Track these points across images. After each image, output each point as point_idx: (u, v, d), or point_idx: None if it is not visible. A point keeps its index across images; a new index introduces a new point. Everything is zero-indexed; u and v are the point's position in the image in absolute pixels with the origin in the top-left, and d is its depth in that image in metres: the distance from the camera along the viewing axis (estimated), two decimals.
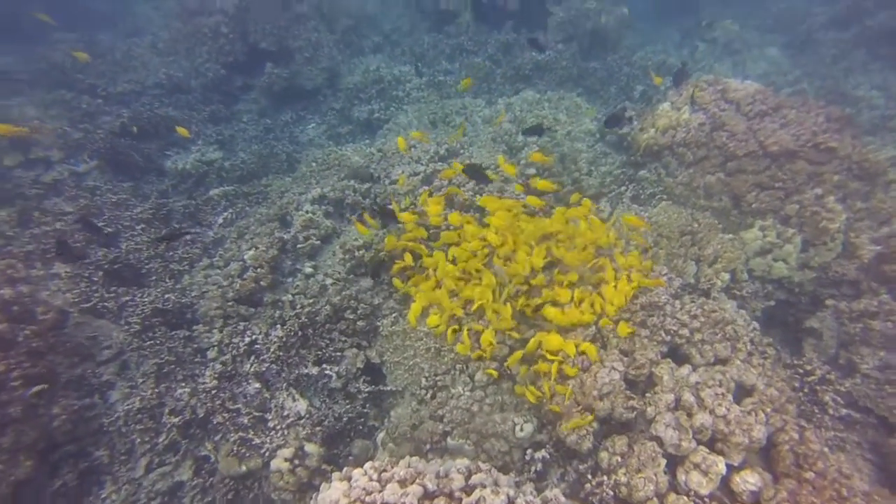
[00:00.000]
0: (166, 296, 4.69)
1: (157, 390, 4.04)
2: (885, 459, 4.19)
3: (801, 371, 4.35)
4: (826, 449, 3.58)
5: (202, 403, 4.07)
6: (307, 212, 5.57)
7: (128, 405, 3.96)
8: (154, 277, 4.93)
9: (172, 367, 4.25)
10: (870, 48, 9.65)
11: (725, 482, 3.33)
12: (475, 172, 4.65)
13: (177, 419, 3.90)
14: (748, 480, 3.25)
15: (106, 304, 4.48)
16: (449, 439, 3.92)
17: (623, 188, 5.79)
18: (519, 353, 3.94)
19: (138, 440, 3.83)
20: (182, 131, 6.15)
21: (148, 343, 4.30)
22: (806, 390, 4.25)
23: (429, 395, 4.15)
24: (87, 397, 3.97)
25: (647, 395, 3.71)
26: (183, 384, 4.22)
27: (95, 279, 4.63)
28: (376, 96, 9.00)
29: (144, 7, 12.57)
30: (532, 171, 6.38)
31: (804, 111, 5.44)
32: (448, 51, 9.95)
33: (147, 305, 4.50)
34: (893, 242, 5.08)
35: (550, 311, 4.04)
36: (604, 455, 3.52)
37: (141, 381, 4.14)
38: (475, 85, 9.09)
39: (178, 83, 8.73)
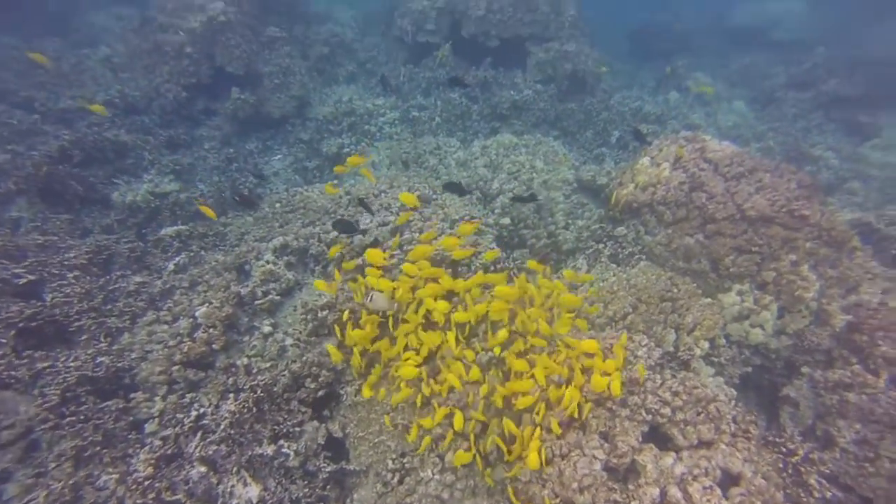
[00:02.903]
0: (98, 359, 4.13)
1: (72, 481, 3.46)
2: None
3: (783, 450, 4.21)
4: None
5: (132, 494, 3.53)
6: (267, 262, 5.14)
7: None
8: (85, 337, 4.35)
9: (98, 448, 3.68)
10: (825, 111, 10.12)
11: None
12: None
13: None
14: None
15: (14, 371, 3.85)
16: None
17: (601, 245, 5.65)
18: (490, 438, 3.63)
19: None
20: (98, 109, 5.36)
21: (68, 419, 3.72)
22: (790, 471, 4.10)
23: (395, 480, 3.77)
24: None
25: (631, 486, 3.46)
26: (110, 469, 3.67)
27: (3, 340, 3.99)
28: (347, 129, 8.70)
29: (101, 17, 11.79)
30: (507, 220, 6.19)
31: (777, 176, 5.46)
32: (424, 84, 9.78)
33: (72, 372, 3.92)
34: (861, 312, 5.11)
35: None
36: None
37: (53, 466, 3.55)
38: (451, 122, 8.92)
39: (133, 103, 8.14)
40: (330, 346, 4.20)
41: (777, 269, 4.96)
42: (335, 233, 5.36)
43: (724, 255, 5.08)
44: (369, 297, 4.02)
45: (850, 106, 9.87)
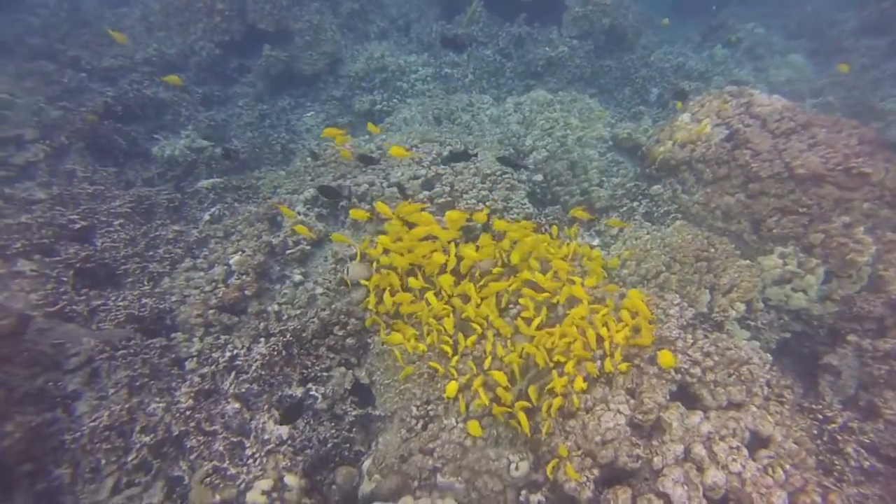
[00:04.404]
0: (143, 300, 4.35)
1: (128, 405, 3.72)
2: None
3: (820, 417, 4.06)
4: None
5: (177, 422, 3.76)
6: (299, 213, 5.22)
7: (95, 421, 3.64)
8: (131, 279, 4.58)
9: (146, 380, 3.93)
10: None
11: None
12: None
13: (148, 437, 3.60)
14: None
15: (75, 307, 4.12)
16: (439, 476, 3.64)
17: (636, 203, 5.45)
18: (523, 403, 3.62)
19: (103, 460, 3.51)
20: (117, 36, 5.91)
21: (121, 352, 3.96)
22: (825, 438, 3.97)
23: (419, 426, 3.86)
24: (48, 411, 3.63)
25: (655, 442, 3.42)
26: (157, 398, 3.91)
27: (65, 279, 4.27)
28: (379, 86, 8.58)
29: None
30: (539, 177, 6.04)
31: (835, 131, 5.08)
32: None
33: (121, 310, 4.15)
34: None
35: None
36: None
37: (112, 391, 3.83)
38: (484, 80, 8.67)
39: (171, 61, 8.26)
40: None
41: (826, 231, 4.67)
42: (365, 185, 5.37)
43: (766, 216, 4.81)
44: (346, 270, 4.07)
45: None
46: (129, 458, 3.48)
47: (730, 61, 9.20)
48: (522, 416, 3.49)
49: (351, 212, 4.38)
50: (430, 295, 4.01)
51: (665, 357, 3.55)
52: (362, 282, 4.36)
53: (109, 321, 4.04)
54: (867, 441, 4.07)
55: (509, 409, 3.59)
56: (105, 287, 4.48)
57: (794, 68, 9.20)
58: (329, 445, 3.89)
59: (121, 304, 4.24)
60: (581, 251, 4.30)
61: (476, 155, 5.41)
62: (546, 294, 3.97)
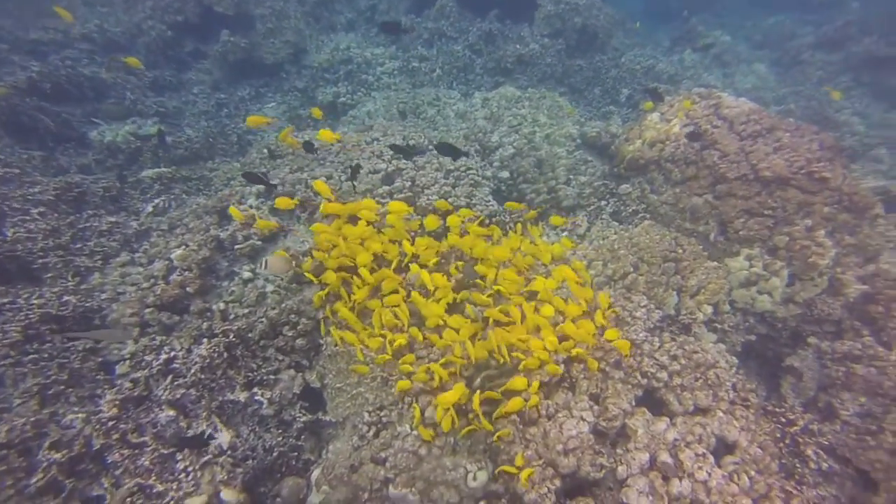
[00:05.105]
0: (64, 298, 3.91)
1: (35, 419, 3.28)
2: None
3: (782, 420, 4.01)
4: None
5: (98, 434, 3.36)
6: (251, 206, 4.86)
7: None
8: (51, 275, 4.11)
9: (62, 387, 3.50)
10: (855, 73, 9.53)
11: None
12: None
13: (60, 454, 3.19)
14: None
15: None
16: (391, 487, 3.38)
17: (603, 202, 5.33)
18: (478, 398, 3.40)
19: None
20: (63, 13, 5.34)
21: (30, 356, 3.52)
22: (787, 441, 3.91)
23: (371, 433, 3.59)
24: None
25: (619, 450, 3.26)
26: (76, 408, 3.50)
27: None
28: (344, 78, 8.25)
29: None
30: (505, 174, 5.87)
31: (798, 136, 5.09)
32: (426, 35, 9.25)
33: (35, 309, 3.70)
34: (879, 282, 4.82)
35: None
36: None
37: (18, 402, 3.39)
38: (452, 75, 8.46)
39: (114, 39, 7.67)
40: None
41: (790, 234, 4.65)
42: (322, 179, 5.06)
43: (734, 217, 4.77)
44: (263, 264, 3.79)
45: (884, 68, 9.22)
46: (33, 480, 3.05)
47: (699, 66, 9.32)
48: (475, 400, 3.25)
49: (276, 201, 4.06)
50: (364, 272, 3.74)
51: (622, 346, 3.47)
52: (309, 276, 4.04)
53: (18, 322, 3.57)
54: (825, 443, 4.05)
55: (454, 414, 3.35)
56: (15, 283, 4.00)
57: (757, 76, 9.38)
58: (275, 454, 3.59)
59: (35, 301, 3.78)
60: (543, 248, 4.12)
61: (423, 152, 5.18)
62: (499, 287, 3.77)
